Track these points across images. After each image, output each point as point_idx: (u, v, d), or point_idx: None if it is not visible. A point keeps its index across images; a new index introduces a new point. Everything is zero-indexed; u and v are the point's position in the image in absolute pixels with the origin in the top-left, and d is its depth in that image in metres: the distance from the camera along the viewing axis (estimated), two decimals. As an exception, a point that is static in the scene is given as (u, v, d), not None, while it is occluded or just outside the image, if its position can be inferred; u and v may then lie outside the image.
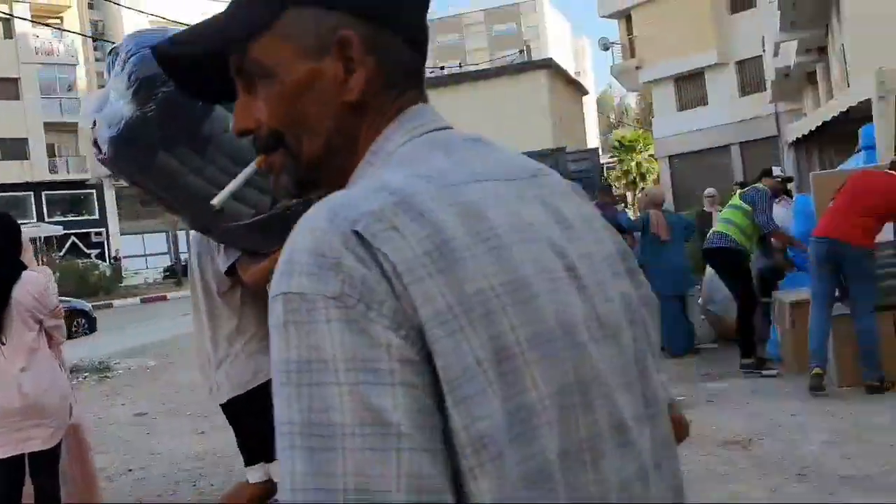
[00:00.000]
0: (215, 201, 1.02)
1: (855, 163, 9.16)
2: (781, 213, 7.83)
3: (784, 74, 22.05)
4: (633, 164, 47.89)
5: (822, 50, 18.66)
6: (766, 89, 25.16)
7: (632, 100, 70.31)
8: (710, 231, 7.48)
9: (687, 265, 8.41)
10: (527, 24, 78.01)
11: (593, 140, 72.55)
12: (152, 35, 2.62)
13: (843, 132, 10.31)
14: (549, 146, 17.19)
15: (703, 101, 28.96)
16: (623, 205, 22.03)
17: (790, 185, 9.27)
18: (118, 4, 26.55)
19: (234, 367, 3.07)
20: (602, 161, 59.55)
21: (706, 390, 6.39)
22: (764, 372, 6.47)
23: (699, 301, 8.75)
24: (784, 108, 25.07)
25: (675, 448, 0.84)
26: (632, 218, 8.81)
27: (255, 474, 3.11)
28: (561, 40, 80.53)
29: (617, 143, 51.17)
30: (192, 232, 3.22)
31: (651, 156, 41.46)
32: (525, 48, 31.54)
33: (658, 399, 0.81)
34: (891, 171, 5.80)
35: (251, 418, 2.99)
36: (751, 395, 6.00)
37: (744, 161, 26.45)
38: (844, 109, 9.31)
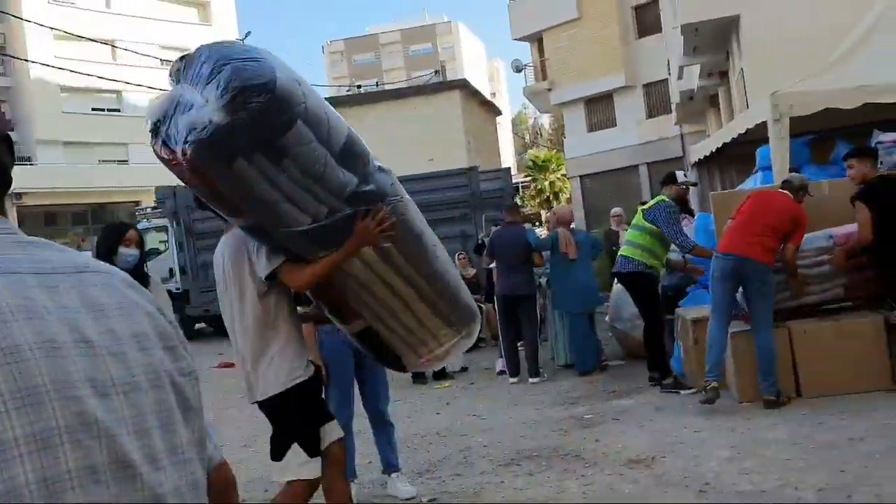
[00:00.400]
0: None
1: (753, 182, 9.47)
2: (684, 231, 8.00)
3: (688, 97, 22.80)
4: (546, 183, 48.74)
5: (724, 74, 19.39)
6: (671, 111, 25.96)
7: (546, 121, 71.67)
8: (619, 254, 7.55)
9: (594, 283, 8.49)
10: (442, 44, 78.73)
11: (509, 160, 73.54)
12: (233, 49, 2.83)
13: (742, 153, 10.68)
14: (463, 165, 17.21)
15: (612, 122, 29.68)
16: (537, 223, 22.31)
17: (692, 203, 9.47)
18: (20, 19, 25.48)
19: (271, 367, 3.24)
20: (517, 180, 60.59)
21: (612, 408, 6.43)
22: (682, 391, 6.52)
23: (606, 318, 8.86)
24: (688, 130, 25.93)
25: (203, 491, 1.02)
26: (540, 236, 8.84)
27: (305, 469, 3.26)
28: (476, 61, 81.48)
29: (531, 163, 52.02)
30: (225, 241, 3.38)
31: (564, 175, 42.23)
32: (441, 68, 31.76)
33: (183, 449, 0.99)
34: (783, 191, 5.99)
35: (286, 415, 3.27)
36: (655, 413, 6.05)
37: (651, 181, 27.19)
38: (742, 131, 9.63)
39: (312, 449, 3.27)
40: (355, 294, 3.29)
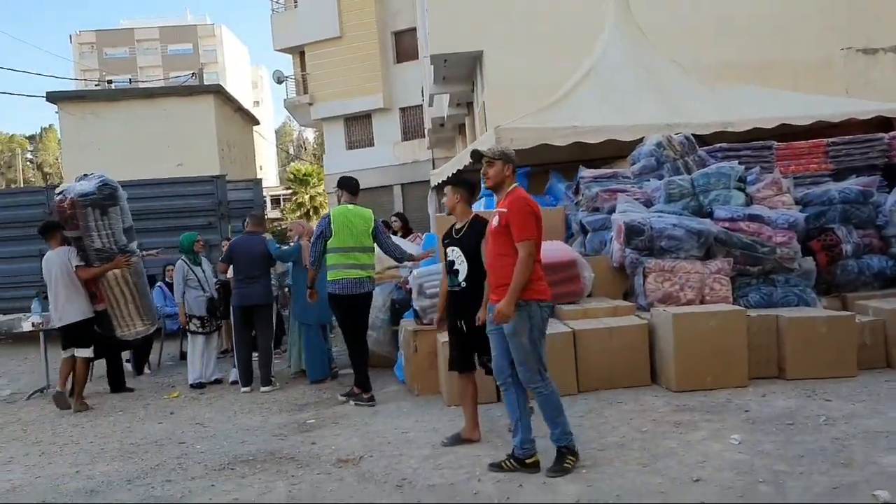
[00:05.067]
0: None
1: (477, 206, 10.31)
2: (415, 248, 8.55)
3: (439, 124, 24.05)
4: (307, 196, 48.65)
5: (470, 105, 20.71)
6: (425, 136, 27.20)
7: (310, 134, 71.51)
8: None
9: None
10: (204, 46, 75.99)
11: (272, 171, 72.35)
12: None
13: (477, 179, 11.52)
14: (215, 173, 16.82)
15: (370, 141, 30.49)
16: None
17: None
18: None
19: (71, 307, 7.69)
20: (278, 193, 59.80)
21: (334, 413, 6.71)
22: (355, 402, 6.91)
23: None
24: (439, 155, 27.29)
25: None
26: (280, 248, 8.94)
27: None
28: (239, 67, 79.54)
29: (292, 176, 51.68)
30: (57, 253, 7.79)
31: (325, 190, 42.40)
32: (199, 71, 30.66)
33: None
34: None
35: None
36: (372, 417, 6.42)
37: (404, 200, 28.28)
38: (469, 161, 10.45)
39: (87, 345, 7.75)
40: (106, 287, 7.81)
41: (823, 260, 7.59)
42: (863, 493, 3.86)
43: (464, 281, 5.22)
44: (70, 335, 7.78)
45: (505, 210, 4.58)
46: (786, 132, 9.71)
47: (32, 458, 5.90)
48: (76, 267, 7.69)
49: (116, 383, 8.60)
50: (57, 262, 7.72)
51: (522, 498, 4.19)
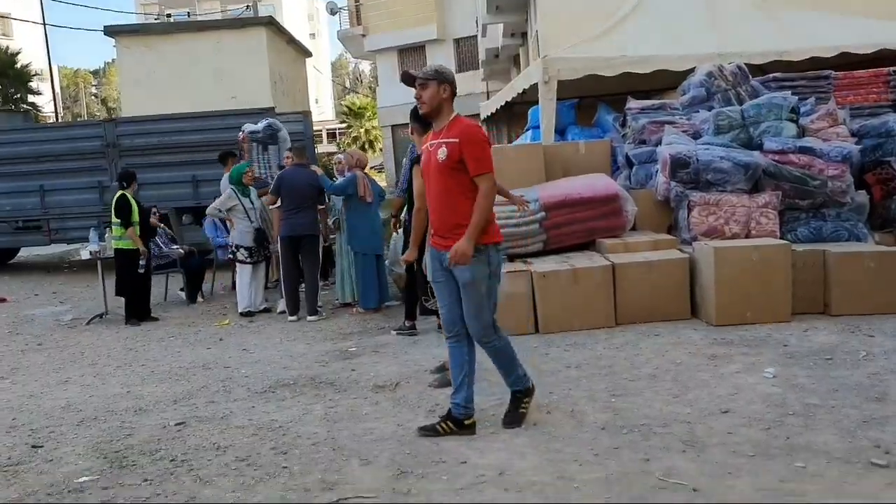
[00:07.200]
0: None
1: (524, 139, 10.21)
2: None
3: (494, 55, 23.64)
4: (362, 130, 48.76)
5: (525, 35, 20.28)
6: (479, 67, 26.81)
7: (366, 67, 71.12)
8: None
9: (382, 227, 8.83)
10: (261, -22, 75.52)
11: (328, 104, 72.40)
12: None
13: (526, 111, 11.40)
14: (267, 105, 16.93)
15: (423, 74, 30.17)
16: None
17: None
18: None
19: None
20: (334, 126, 59.91)
21: (376, 342, 6.87)
22: (397, 332, 7.07)
23: (387, 262, 9.27)
24: (494, 87, 26.91)
25: None
26: (331, 181, 8.99)
27: None
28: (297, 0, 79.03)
29: (347, 109, 51.73)
30: None
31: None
32: (253, 3, 30.65)
33: None
34: None
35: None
36: (411, 345, 6.55)
37: (458, 134, 28.07)
38: (521, 91, 10.30)
39: None
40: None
41: (878, 194, 7.33)
42: (893, 427, 3.82)
43: None
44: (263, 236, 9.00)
45: (455, 140, 3.97)
46: (849, 61, 9.27)
47: (87, 379, 6.21)
48: (259, 191, 8.99)
49: (142, 313, 8.91)
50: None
51: (550, 423, 4.26)
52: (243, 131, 10.20)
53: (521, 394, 4.33)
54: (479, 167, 3.99)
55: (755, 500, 3.13)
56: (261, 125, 9.94)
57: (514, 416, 4.28)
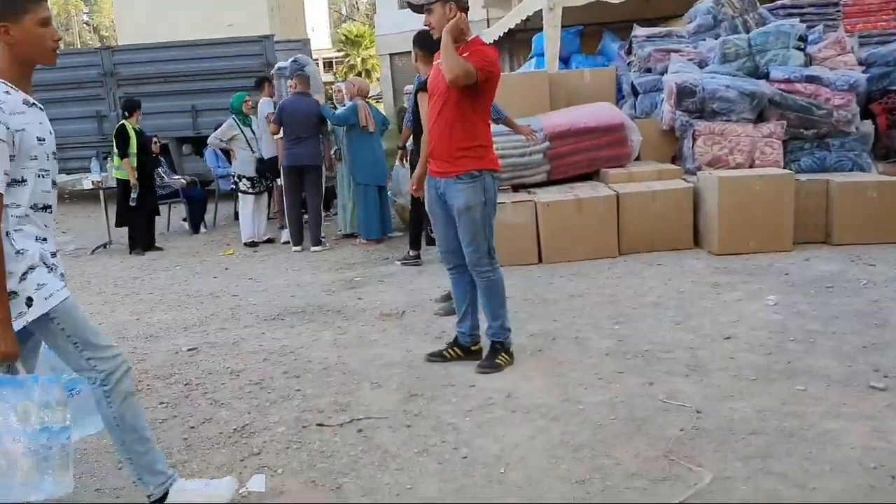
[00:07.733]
0: None
1: (527, 67, 10.08)
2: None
3: (494, -19, 23.07)
4: (358, 59, 47.97)
5: (526, -40, 19.80)
6: (479, -6, 26.19)
7: (362, -7, 69.51)
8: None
9: (384, 157, 8.78)
10: None
11: (323, 32, 70.97)
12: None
13: (528, 39, 11.23)
14: (265, 33, 16.65)
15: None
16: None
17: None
18: None
19: None
20: (330, 55, 58.90)
21: (381, 272, 6.94)
22: (402, 262, 7.13)
23: (389, 193, 9.26)
24: (494, 15, 26.34)
25: None
26: (331, 110, 8.90)
27: None
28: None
29: (343, 38, 50.81)
30: None
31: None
32: (247, -73, 29.76)
33: None
34: None
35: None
36: (416, 276, 6.62)
37: (457, 63, 27.63)
38: (524, 18, 10.13)
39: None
40: None
41: (883, 123, 7.30)
42: (892, 352, 3.91)
43: None
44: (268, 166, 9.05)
45: (465, 55, 3.81)
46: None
47: (96, 307, 6.28)
48: (268, 114, 8.88)
49: (146, 242, 8.93)
50: (267, 108, 9.07)
51: (555, 350, 4.34)
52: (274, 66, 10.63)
53: (501, 346, 4.19)
54: (474, 62, 3.78)
55: (756, 420, 3.22)
56: (287, 62, 9.92)
57: (491, 364, 4.13)
